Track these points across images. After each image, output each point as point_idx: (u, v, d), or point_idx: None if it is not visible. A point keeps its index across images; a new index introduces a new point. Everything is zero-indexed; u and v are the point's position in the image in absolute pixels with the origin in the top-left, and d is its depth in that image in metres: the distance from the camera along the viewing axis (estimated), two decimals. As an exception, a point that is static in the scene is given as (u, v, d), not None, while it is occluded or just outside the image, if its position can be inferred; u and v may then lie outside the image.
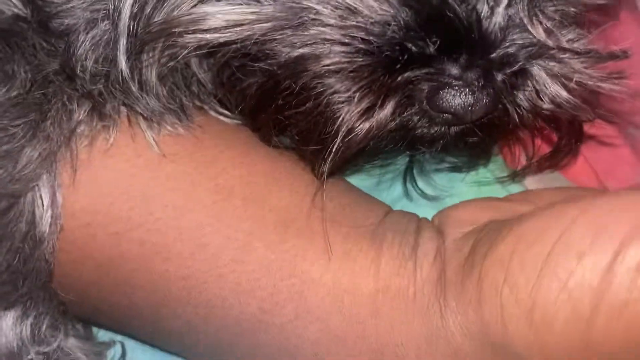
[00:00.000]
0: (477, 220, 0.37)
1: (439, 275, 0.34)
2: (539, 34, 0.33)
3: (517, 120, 0.36)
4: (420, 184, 0.43)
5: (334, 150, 0.34)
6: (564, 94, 0.35)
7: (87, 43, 0.34)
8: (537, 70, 0.34)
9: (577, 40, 0.35)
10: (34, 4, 0.34)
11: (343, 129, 0.33)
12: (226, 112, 0.40)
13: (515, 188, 0.44)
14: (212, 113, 0.40)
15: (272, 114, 0.36)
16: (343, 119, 0.33)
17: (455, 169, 0.44)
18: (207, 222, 0.36)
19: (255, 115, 0.38)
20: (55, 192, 0.35)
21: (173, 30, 0.32)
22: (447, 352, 0.34)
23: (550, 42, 0.33)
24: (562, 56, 0.34)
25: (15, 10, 0.34)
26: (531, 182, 0.44)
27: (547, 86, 0.34)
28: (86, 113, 0.36)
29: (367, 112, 0.33)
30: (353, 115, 0.33)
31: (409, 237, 0.37)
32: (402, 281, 0.35)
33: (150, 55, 0.34)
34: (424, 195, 0.44)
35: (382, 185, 0.44)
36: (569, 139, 0.38)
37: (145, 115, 0.36)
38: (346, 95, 0.33)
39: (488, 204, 0.39)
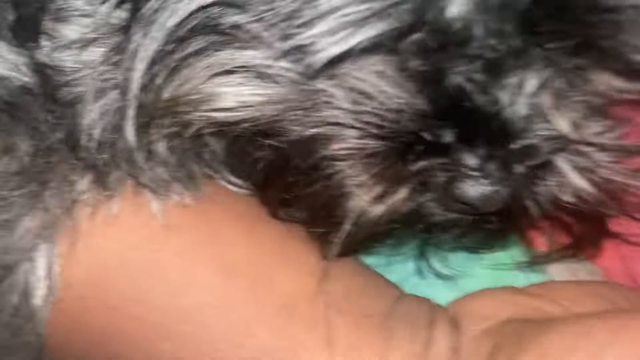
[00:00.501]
0: (497, 316, 0.35)
1: None
2: (564, 126, 0.32)
3: (536, 211, 0.34)
4: (434, 262, 0.41)
5: (343, 233, 0.33)
6: (588, 188, 0.33)
7: (96, 112, 0.34)
8: (560, 163, 0.33)
9: (604, 133, 0.34)
10: (44, 74, 0.34)
11: (354, 214, 0.33)
12: (237, 181, 0.39)
13: (536, 274, 0.41)
14: (223, 183, 0.39)
15: (280, 191, 0.36)
16: (354, 203, 0.32)
17: (471, 250, 0.41)
18: (210, 303, 0.35)
19: (264, 190, 0.37)
20: (52, 263, 0.35)
21: (181, 109, 0.32)
22: None
23: (575, 135, 0.32)
24: (587, 150, 0.33)
25: (25, 79, 0.34)
26: (555, 269, 0.42)
27: (571, 180, 0.33)
28: (89, 183, 0.35)
29: (381, 198, 0.32)
30: (365, 201, 0.32)
31: (421, 331, 0.35)
32: None
33: (159, 129, 0.34)
34: (437, 274, 0.42)
35: (394, 261, 0.42)
36: (592, 232, 0.37)
37: (149, 186, 0.35)
38: (358, 180, 0.32)
39: (509, 298, 0.37)
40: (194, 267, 0.36)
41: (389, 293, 0.38)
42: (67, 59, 0.34)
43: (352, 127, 0.32)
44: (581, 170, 0.33)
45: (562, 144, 0.33)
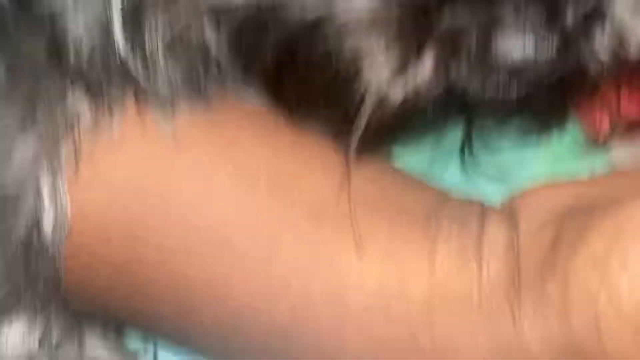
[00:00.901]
0: (558, 208, 0.32)
1: (512, 276, 0.30)
2: None
3: (595, 74, 0.30)
4: (482, 161, 0.38)
5: (363, 122, 0.30)
6: None
7: (80, 25, 0.32)
8: (618, 6, 0.29)
9: None
10: None
11: (372, 96, 0.29)
12: (249, 92, 0.36)
13: (600, 163, 0.37)
14: (235, 96, 0.37)
15: (293, 90, 0.33)
16: (370, 83, 0.29)
17: (522, 138, 0.38)
18: (231, 219, 0.34)
19: (276, 94, 0.35)
20: (57, 192, 0.34)
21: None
22: None
23: None
24: None
25: None
26: (622, 156, 0.38)
27: (634, 26, 0.29)
28: (84, 105, 0.34)
29: (401, 70, 0.29)
30: (383, 77, 0.29)
31: (471, 227, 0.32)
32: (464, 285, 0.31)
33: (152, 23, 0.31)
34: (487, 175, 0.39)
35: (435, 165, 0.39)
36: None
37: (154, 101, 0.34)
38: (372, 50, 0.29)
39: (570, 187, 0.34)
40: (210, 183, 0.34)
41: (432, 194, 0.35)
42: None
43: None
44: None
45: None
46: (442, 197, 0.35)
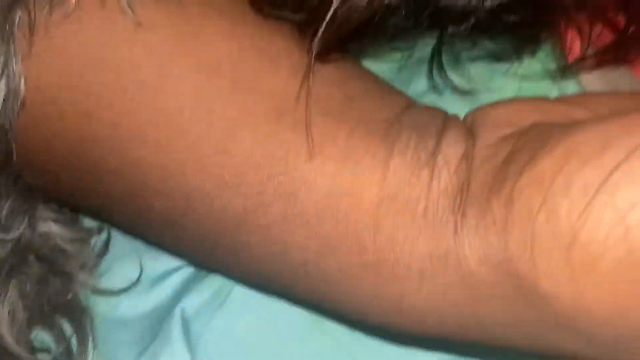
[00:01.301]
0: (520, 122, 0.32)
1: (460, 188, 0.30)
2: None
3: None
4: (451, 74, 0.38)
5: (329, 18, 0.29)
6: None
7: None
8: None
9: None
10: None
11: None
12: None
13: (570, 87, 0.38)
14: None
15: None
16: None
17: (493, 56, 0.38)
18: (188, 105, 0.33)
19: None
20: (9, 60, 0.32)
21: None
22: (454, 278, 0.30)
23: None
24: None
25: None
26: (591, 81, 0.38)
27: None
28: None
29: None
30: None
31: (429, 138, 0.32)
32: (413, 192, 0.31)
33: None
34: (455, 88, 0.39)
35: (403, 74, 0.39)
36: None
37: None
38: None
39: (535, 103, 0.34)
40: (170, 66, 0.33)
41: (397, 100, 0.35)
42: None
43: None
44: None
45: None
46: (406, 103, 0.35)
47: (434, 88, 0.39)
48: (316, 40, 0.29)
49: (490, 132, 0.32)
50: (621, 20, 0.32)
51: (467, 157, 0.31)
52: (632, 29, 0.32)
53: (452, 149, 0.32)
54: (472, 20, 0.31)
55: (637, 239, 0.25)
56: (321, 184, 0.32)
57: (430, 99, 0.39)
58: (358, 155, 0.32)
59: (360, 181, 0.32)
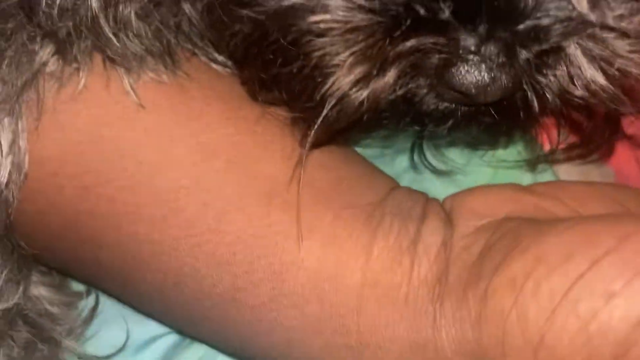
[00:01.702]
0: (494, 213, 0.34)
1: (439, 278, 0.32)
2: (581, 5, 0.28)
3: (542, 106, 0.32)
4: (430, 156, 0.40)
5: (321, 120, 0.31)
6: (602, 81, 0.30)
7: None
8: (572, 49, 0.30)
9: (628, 17, 0.30)
10: None
11: (333, 97, 0.30)
12: (219, 57, 0.37)
13: (545, 175, 0.40)
14: (203, 58, 0.37)
15: (259, 70, 0.33)
16: (333, 85, 0.30)
17: (470, 145, 0.40)
18: (185, 184, 0.34)
19: (243, 68, 0.35)
20: (17, 137, 0.34)
21: None
22: None
23: (592, 18, 0.29)
24: (605, 35, 0.30)
25: None
26: (564, 170, 0.40)
27: (583, 70, 0.30)
28: (51, 54, 0.33)
29: (362, 80, 0.30)
30: (345, 83, 0.30)
31: (410, 225, 0.34)
32: (394, 278, 0.32)
33: None
34: (434, 169, 0.40)
35: (386, 154, 0.41)
36: (604, 132, 0.34)
37: (118, 59, 0.33)
38: (339, 58, 0.29)
39: (509, 194, 0.35)
40: (169, 147, 0.34)
41: (381, 184, 0.37)
42: None
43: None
44: (597, 59, 0.30)
45: (577, 27, 0.29)
46: (390, 186, 0.37)
47: (414, 167, 0.41)
48: (309, 137, 0.31)
49: (466, 222, 0.33)
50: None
51: (446, 246, 0.33)
52: (594, 135, 0.34)
53: (431, 237, 0.33)
54: (450, 122, 0.33)
55: (598, 347, 0.26)
56: (308, 266, 0.33)
57: (411, 176, 0.41)
58: (342, 240, 0.33)
59: (344, 266, 0.33)
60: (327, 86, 0.30)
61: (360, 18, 0.29)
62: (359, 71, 0.30)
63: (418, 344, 0.31)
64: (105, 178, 0.34)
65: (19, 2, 0.32)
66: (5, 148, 0.33)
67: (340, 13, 0.29)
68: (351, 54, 0.29)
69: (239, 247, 0.34)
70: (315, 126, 0.31)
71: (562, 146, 0.37)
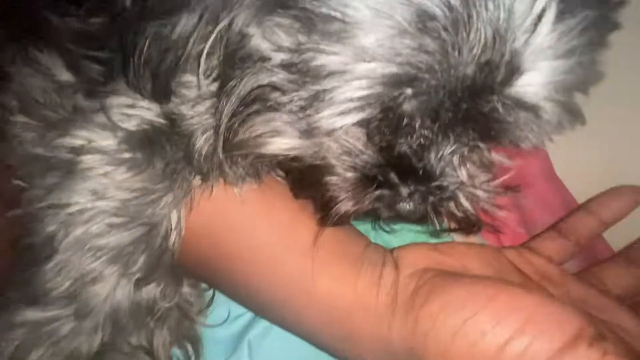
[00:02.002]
0: (418, 264, 0.34)
1: (393, 301, 0.32)
2: (463, 176, 0.31)
3: (441, 216, 0.33)
4: (384, 225, 0.40)
5: (333, 219, 0.32)
6: (471, 210, 0.32)
7: (202, 141, 0.33)
8: (460, 195, 0.32)
9: (486, 182, 0.32)
10: (172, 118, 0.33)
11: (340, 210, 0.32)
12: (280, 174, 0.38)
13: (447, 237, 0.39)
14: (273, 174, 0.38)
15: (299, 189, 0.35)
16: (339, 208, 0.32)
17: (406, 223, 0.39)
18: (261, 243, 0.35)
19: (292, 186, 0.36)
20: (180, 220, 0.35)
21: (246, 146, 0.31)
22: (387, 352, 0.32)
23: (469, 182, 0.31)
24: (475, 191, 0.32)
25: (161, 121, 0.33)
26: (456, 235, 0.39)
27: (463, 204, 0.32)
28: (199, 180, 0.35)
29: (354, 204, 0.32)
30: (343, 207, 0.32)
31: (377, 269, 0.34)
32: (370, 299, 0.33)
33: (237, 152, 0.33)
34: (384, 230, 0.40)
35: (361, 224, 0.41)
36: (468, 230, 0.35)
37: (233, 178, 0.35)
38: (341, 196, 0.31)
39: (426, 252, 0.36)
40: (256, 224, 0.35)
41: (362, 241, 0.37)
42: (186, 110, 0.33)
43: (339, 164, 0.31)
44: (469, 199, 0.32)
45: (460, 187, 0.31)
46: (366, 243, 0.37)
47: (374, 229, 0.41)
48: (327, 224, 0.32)
49: (405, 269, 0.34)
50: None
51: (396, 283, 0.33)
52: (463, 229, 0.34)
53: (388, 277, 0.34)
54: (396, 221, 0.35)
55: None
56: (319, 292, 0.34)
57: (374, 233, 0.42)
58: (342, 276, 0.34)
59: (342, 291, 0.34)
60: (335, 207, 0.32)
61: (352, 175, 0.31)
62: (353, 201, 0.31)
63: (380, 338, 0.32)
64: (223, 239, 0.35)
65: (184, 157, 0.34)
66: (174, 226, 0.35)
67: (342, 172, 0.31)
68: (347, 194, 0.31)
69: (290, 283, 0.34)
70: (331, 221, 0.32)
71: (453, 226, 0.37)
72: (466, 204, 0.31)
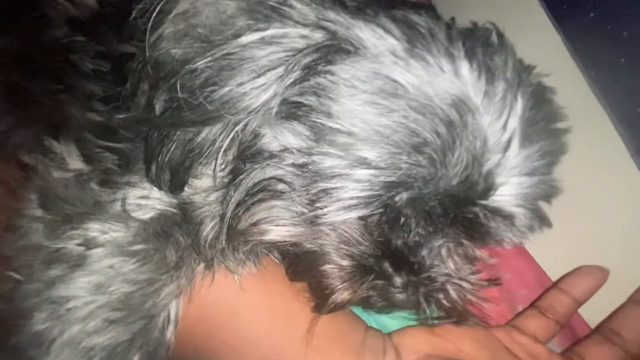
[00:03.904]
0: (420, 350, 0.35)
1: None
2: (450, 268, 0.33)
3: (431, 306, 0.34)
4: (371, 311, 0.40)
5: (329, 307, 0.33)
6: (459, 300, 0.34)
7: (209, 228, 0.34)
8: (448, 287, 0.33)
9: (470, 274, 0.35)
10: (184, 208, 0.34)
11: (335, 299, 0.33)
12: (278, 257, 0.38)
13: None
14: (272, 258, 0.38)
15: (295, 274, 0.35)
16: (337, 295, 0.32)
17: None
18: (265, 334, 0.34)
19: (288, 269, 0.36)
20: (178, 310, 0.34)
21: (249, 233, 0.32)
22: None
23: (456, 273, 0.33)
24: (461, 282, 0.34)
25: (174, 211, 0.34)
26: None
27: (451, 294, 0.34)
28: (202, 267, 0.35)
29: (350, 293, 0.32)
30: (340, 296, 0.32)
31: (378, 353, 0.35)
32: None
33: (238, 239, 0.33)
34: (380, 315, 0.40)
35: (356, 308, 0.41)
36: (457, 320, 0.36)
37: (232, 264, 0.35)
38: (338, 285, 0.32)
39: (425, 336, 0.36)
40: (255, 312, 0.35)
41: (361, 327, 0.37)
42: (198, 200, 0.34)
43: (335, 252, 0.32)
44: (457, 291, 0.34)
45: (449, 278, 0.34)
46: (365, 328, 0.37)
47: (366, 312, 0.40)
48: (324, 311, 0.33)
49: (406, 355, 0.35)
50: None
51: None
52: (450, 319, 0.35)
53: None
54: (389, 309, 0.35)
55: None
56: None
57: (366, 316, 0.41)
58: None
59: None
60: (333, 296, 0.32)
61: (348, 264, 0.31)
62: (349, 290, 0.32)
63: None
64: (222, 328, 0.34)
65: (191, 244, 0.34)
66: (172, 317, 0.34)
67: (338, 260, 0.31)
68: (343, 283, 0.32)
69: None
70: (327, 308, 0.33)
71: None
72: (454, 295, 0.33)
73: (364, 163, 0.28)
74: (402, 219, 0.30)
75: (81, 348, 0.30)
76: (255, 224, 0.31)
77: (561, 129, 0.32)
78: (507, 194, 0.29)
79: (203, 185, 0.35)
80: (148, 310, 0.32)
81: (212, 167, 0.32)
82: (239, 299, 0.35)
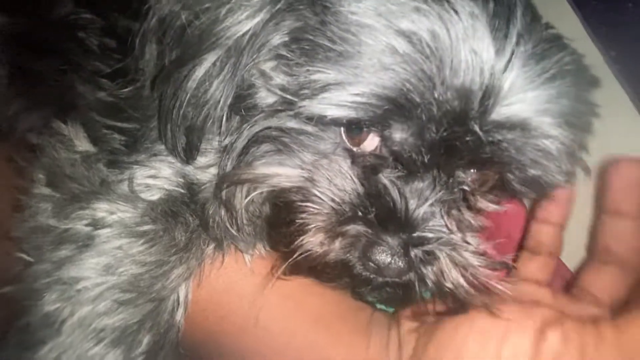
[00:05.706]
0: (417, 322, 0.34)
1: (399, 357, 0.33)
2: (452, 226, 0.29)
3: (423, 288, 0.30)
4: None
5: (295, 256, 0.29)
6: (461, 281, 0.29)
7: (215, 207, 0.33)
8: (443, 256, 0.29)
9: (477, 246, 0.30)
10: (191, 187, 0.33)
11: (302, 248, 0.29)
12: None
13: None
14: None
15: (275, 228, 0.32)
16: (304, 241, 0.29)
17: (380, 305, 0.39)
18: (275, 318, 0.34)
19: (268, 232, 0.34)
20: (187, 293, 0.33)
21: (253, 182, 0.30)
22: None
23: (457, 236, 0.29)
24: (464, 252, 0.28)
25: (181, 191, 0.33)
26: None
27: (449, 270, 0.29)
28: (212, 249, 0.34)
29: (321, 243, 0.29)
30: (309, 242, 0.29)
31: (384, 333, 0.35)
32: (380, 358, 0.33)
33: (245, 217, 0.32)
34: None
35: None
36: (455, 311, 0.31)
37: (242, 245, 0.34)
38: (311, 227, 0.29)
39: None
40: (264, 296, 0.34)
41: (367, 310, 0.37)
42: (204, 178, 0.33)
43: (319, 192, 0.29)
44: (457, 265, 0.28)
45: (447, 240, 0.28)
46: (371, 311, 0.37)
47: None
48: (285, 268, 0.30)
49: (404, 327, 0.35)
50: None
51: (400, 344, 0.33)
52: (450, 311, 0.32)
53: (393, 340, 0.34)
54: (369, 287, 0.31)
55: None
56: (340, 353, 0.33)
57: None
58: (355, 344, 0.34)
59: (357, 352, 0.33)
60: (304, 235, 0.28)
61: (327, 207, 0.28)
62: (321, 237, 0.28)
63: None
64: (232, 311, 0.34)
65: (200, 225, 0.33)
66: (182, 300, 0.33)
67: (319, 197, 0.28)
68: (318, 228, 0.28)
69: (306, 358, 0.33)
70: (292, 259, 0.29)
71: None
72: (456, 274, 0.28)
73: (359, 75, 0.25)
74: (394, 145, 0.27)
75: (92, 329, 0.30)
76: (256, 169, 0.30)
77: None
78: (515, 105, 0.25)
79: (208, 162, 0.34)
80: (158, 292, 0.31)
81: (217, 129, 0.31)
82: (249, 282, 0.35)
